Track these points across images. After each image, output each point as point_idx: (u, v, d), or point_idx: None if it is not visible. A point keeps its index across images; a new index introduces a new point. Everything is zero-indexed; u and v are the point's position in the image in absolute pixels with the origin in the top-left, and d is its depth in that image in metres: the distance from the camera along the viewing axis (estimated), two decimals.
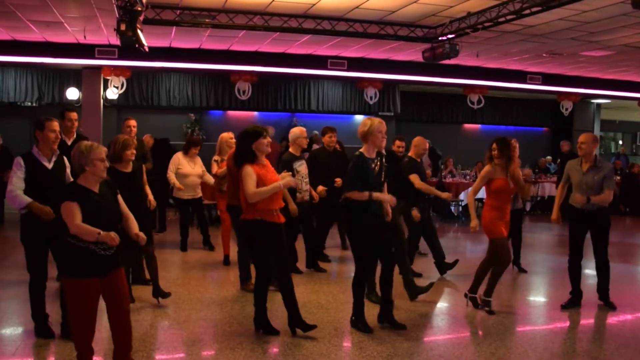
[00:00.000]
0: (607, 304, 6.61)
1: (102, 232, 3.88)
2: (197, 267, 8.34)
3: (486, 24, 10.12)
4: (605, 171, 6.40)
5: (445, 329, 5.96)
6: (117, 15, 9.22)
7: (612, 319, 6.36)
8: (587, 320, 6.39)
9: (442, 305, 6.85)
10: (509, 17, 9.63)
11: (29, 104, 15.78)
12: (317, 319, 5.78)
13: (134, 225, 4.35)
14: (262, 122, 15.75)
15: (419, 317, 6.10)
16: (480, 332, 5.80)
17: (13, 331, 5.57)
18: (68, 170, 5.13)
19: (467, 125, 21.04)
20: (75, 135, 6.66)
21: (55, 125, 5.21)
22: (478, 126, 21.10)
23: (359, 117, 19.14)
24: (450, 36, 11.18)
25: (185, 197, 9.28)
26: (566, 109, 18.53)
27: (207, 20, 10.60)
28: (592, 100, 20.59)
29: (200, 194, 9.45)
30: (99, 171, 4.12)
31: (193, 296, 6.76)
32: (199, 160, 9.45)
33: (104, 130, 14.91)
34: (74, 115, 6.63)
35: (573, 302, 6.62)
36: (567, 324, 6.23)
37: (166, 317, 6.05)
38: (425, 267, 8.27)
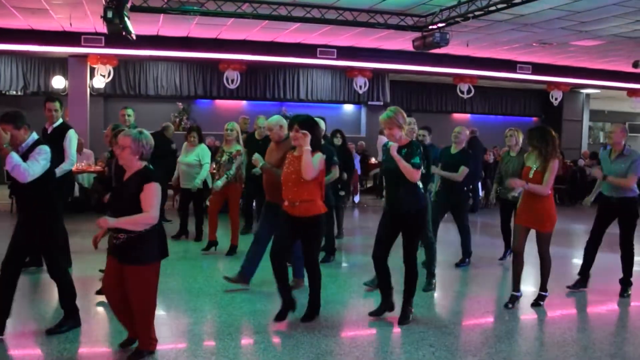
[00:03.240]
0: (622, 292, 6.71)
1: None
2: (185, 257, 8.26)
3: (477, 13, 10.09)
4: (632, 159, 6.44)
5: (433, 319, 5.93)
6: (104, 1, 9.09)
7: (601, 308, 6.38)
8: (576, 309, 6.39)
9: (434, 294, 6.83)
10: (499, 6, 9.60)
11: (14, 92, 15.57)
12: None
13: (117, 219, 4.20)
14: (251, 111, 15.63)
15: (415, 307, 6.05)
16: (471, 322, 5.78)
17: None
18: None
19: (457, 115, 21.06)
20: (57, 123, 6.88)
21: None
22: (468, 116, 21.14)
23: (348, 107, 19.09)
24: (440, 25, 11.14)
25: (181, 186, 9.29)
26: (556, 99, 18.59)
27: (195, 7, 10.49)
28: (582, 90, 20.68)
29: (194, 185, 8.99)
30: (118, 157, 4.30)
31: (181, 287, 6.69)
32: (196, 149, 9.05)
33: (90, 119, 14.78)
34: (52, 105, 6.83)
35: (580, 283, 6.83)
36: (557, 313, 6.21)
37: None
38: None
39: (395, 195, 5.34)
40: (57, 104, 6.91)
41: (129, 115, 8.40)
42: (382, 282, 5.64)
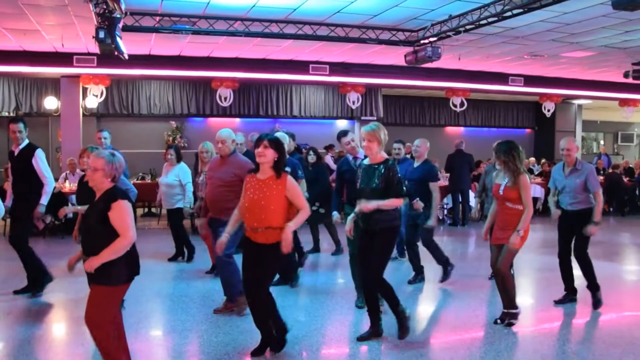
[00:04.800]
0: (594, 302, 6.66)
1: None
2: (180, 277, 8.20)
3: (468, 27, 10.13)
4: (586, 173, 6.46)
5: (434, 333, 5.89)
6: (96, 22, 9.09)
7: (600, 320, 6.33)
8: (576, 321, 6.36)
9: (430, 309, 6.80)
10: (490, 20, 9.63)
11: (7, 114, 15.52)
12: (304, 327, 5.69)
13: (100, 254, 3.95)
14: (245, 129, 15.62)
15: (415, 321, 6.01)
16: (469, 336, 5.74)
17: None
18: None
19: (450, 128, 21.11)
20: (24, 145, 6.86)
21: None
22: (461, 129, 21.19)
23: (341, 122, 19.10)
24: (432, 39, 11.17)
25: (163, 207, 9.26)
26: (548, 110, 18.66)
27: (187, 26, 10.50)
28: (574, 101, 20.78)
29: (174, 205, 8.88)
30: (88, 178, 4.23)
31: (178, 307, 6.63)
32: (174, 169, 8.90)
33: (83, 140, 14.71)
34: (15, 127, 6.82)
35: (567, 298, 6.73)
36: (556, 325, 6.19)
37: (150, 328, 5.93)
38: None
39: (371, 213, 5.21)
40: (20, 125, 6.83)
41: (105, 138, 8.30)
42: (372, 305, 5.48)
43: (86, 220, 4.12)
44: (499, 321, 5.91)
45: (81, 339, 5.36)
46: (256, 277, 4.82)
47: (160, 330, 5.95)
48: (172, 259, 9.16)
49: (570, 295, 6.75)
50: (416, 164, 7.68)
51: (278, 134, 7.13)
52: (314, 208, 8.88)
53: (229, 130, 6.26)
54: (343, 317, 6.31)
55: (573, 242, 6.59)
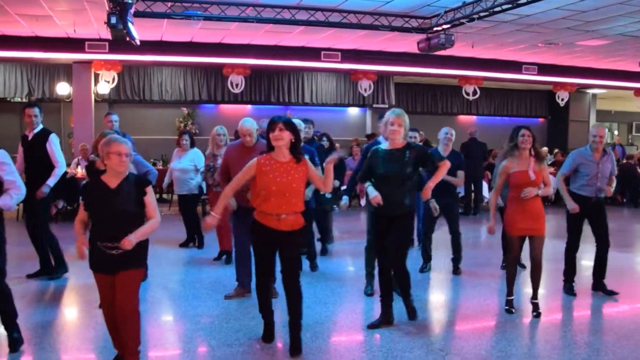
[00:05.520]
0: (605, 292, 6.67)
1: (79, 239, 4.16)
2: (191, 262, 8.23)
3: (482, 14, 10.03)
4: (611, 158, 6.54)
5: (444, 323, 5.87)
6: (108, 8, 9.08)
7: (612, 310, 6.29)
8: (587, 312, 6.31)
9: (441, 297, 6.78)
10: (504, 7, 9.55)
11: (19, 99, 15.62)
12: (316, 314, 5.69)
13: (137, 231, 4.10)
14: (256, 115, 15.59)
15: (420, 310, 6.00)
16: (480, 325, 5.71)
17: None
18: (2, 168, 4.78)
19: (462, 117, 20.97)
20: (38, 129, 6.90)
21: None
22: (474, 117, 21.06)
23: (353, 110, 19.05)
24: (445, 26, 11.09)
25: (176, 192, 9.18)
26: (562, 100, 18.51)
27: (199, 12, 10.47)
28: (588, 91, 20.57)
29: (189, 190, 8.89)
30: (114, 165, 4.11)
31: (189, 292, 6.65)
32: (188, 153, 8.94)
33: (95, 125, 14.76)
34: (31, 111, 6.83)
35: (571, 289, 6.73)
36: (567, 315, 6.16)
37: (162, 313, 5.95)
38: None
39: (395, 197, 5.20)
40: (36, 110, 6.87)
41: (115, 121, 8.24)
42: (386, 293, 5.48)
43: (116, 207, 4.08)
44: (533, 314, 5.84)
45: (92, 323, 5.39)
46: (287, 269, 4.72)
47: (172, 315, 5.97)
48: (184, 244, 9.18)
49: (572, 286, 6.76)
50: (445, 154, 7.46)
51: (294, 121, 7.10)
52: (328, 196, 8.84)
53: (251, 120, 6.21)
54: (353, 304, 6.30)
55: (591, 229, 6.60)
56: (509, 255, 6.08)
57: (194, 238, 9.24)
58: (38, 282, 6.91)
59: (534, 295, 5.91)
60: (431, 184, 5.26)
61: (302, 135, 7.12)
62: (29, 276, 7.00)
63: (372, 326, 5.41)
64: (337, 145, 15.68)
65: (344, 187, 9.09)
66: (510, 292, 6.01)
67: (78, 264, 6.84)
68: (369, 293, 6.44)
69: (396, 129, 5.19)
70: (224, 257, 8.14)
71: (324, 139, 9.40)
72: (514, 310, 5.93)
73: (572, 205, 6.49)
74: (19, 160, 6.85)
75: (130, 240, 3.99)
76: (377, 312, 5.74)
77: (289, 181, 4.60)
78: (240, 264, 6.30)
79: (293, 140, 4.69)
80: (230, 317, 5.68)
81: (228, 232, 7.89)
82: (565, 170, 6.70)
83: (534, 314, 5.83)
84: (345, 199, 6.91)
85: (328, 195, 8.98)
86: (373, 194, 5.21)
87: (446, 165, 5.35)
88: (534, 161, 5.74)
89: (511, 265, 6.04)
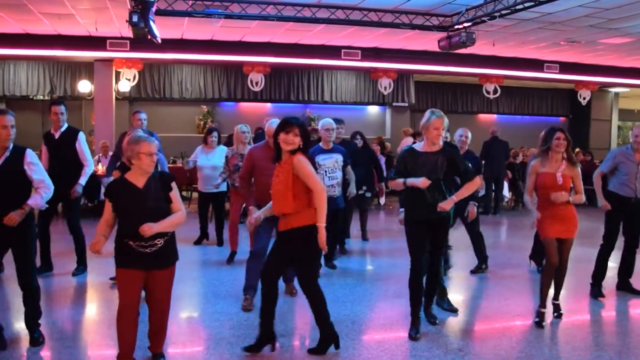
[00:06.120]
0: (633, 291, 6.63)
1: (98, 240, 4.09)
2: (211, 260, 8.26)
3: (503, 12, 9.96)
4: None
5: (463, 323, 5.83)
6: (129, 6, 9.15)
7: (635, 311, 6.21)
8: (610, 312, 6.24)
9: (460, 297, 6.74)
10: (526, 4, 9.46)
11: (41, 97, 15.79)
12: (334, 313, 5.69)
13: (161, 222, 4.10)
14: (275, 114, 15.63)
15: (438, 310, 5.97)
16: (500, 326, 5.67)
17: None
18: (30, 168, 4.83)
19: (483, 115, 20.84)
20: (65, 128, 6.95)
21: (5, 120, 4.71)
22: (494, 116, 20.91)
23: (372, 108, 19.00)
24: (466, 24, 11.02)
25: (201, 189, 9.15)
26: (584, 98, 18.33)
27: (219, 11, 10.51)
28: (610, 89, 20.35)
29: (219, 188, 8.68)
30: (144, 165, 4.10)
31: (208, 290, 6.68)
32: (217, 151, 8.96)
33: (116, 123, 14.88)
34: (57, 109, 6.82)
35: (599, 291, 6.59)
36: (588, 316, 6.09)
37: (181, 311, 5.98)
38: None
39: (434, 201, 5.00)
40: (62, 108, 6.89)
41: (145, 120, 8.07)
42: (420, 300, 5.31)
43: (147, 206, 4.08)
44: (554, 314, 5.76)
45: (113, 321, 5.41)
46: (300, 271, 4.75)
47: (191, 312, 6.00)
48: (197, 242, 9.23)
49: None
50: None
51: (328, 119, 7.17)
52: (361, 192, 8.85)
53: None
54: (372, 303, 6.29)
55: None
56: (548, 261, 5.67)
57: (207, 235, 9.28)
58: (60, 277, 6.98)
59: (556, 296, 5.82)
60: (455, 198, 5.01)
61: (334, 135, 7.13)
62: (74, 274, 7.13)
63: (414, 338, 5.13)
64: (387, 145, 15.78)
65: (368, 194, 9.15)
66: (543, 303, 5.67)
67: (98, 261, 6.93)
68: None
69: (440, 133, 5.04)
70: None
71: (358, 137, 9.36)
72: (544, 324, 5.56)
73: (603, 202, 6.42)
74: (43, 159, 6.86)
75: (151, 227, 3.99)
76: (396, 311, 5.74)
77: (275, 183, 4.62)
78: (251, 268, 5.88)
79: (301, 146, 4.55)
80: (250, 314, 5.68)
81: (236, 233, 8.05)
82: (604, 167, 6.60)
83: (555, 314, 5.76)
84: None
85: (368, 195, 9.04)
86: (418, 180, 4.96)
87: (476, 183, 5.19)
88: (566, 165, 5.60)
89: (549, 273, 5.68)
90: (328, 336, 4.71)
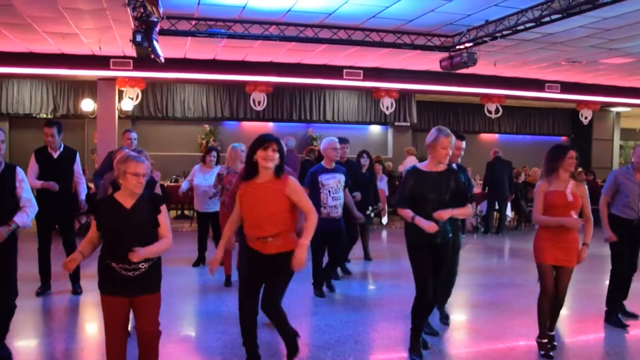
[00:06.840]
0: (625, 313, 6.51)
1: (73, 258, 3.91)
2: (213, 280, 8.21)
3: (505, 32, 10.00)
4: None
5: (467, 343, 5.78)
6: (133, 26, 9.20)
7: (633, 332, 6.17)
8: (614, 333, 6.18)
9: (464, 318, 6.69)
10: (528, 25, 9.50)
11: (44, 115, 15.84)
12: (337, 334, 5.65)
13: (148, 247, 3.90)
14: (278, 133, 15.64)
15: (440, 330, 5.93)
16: (503, 346, 5.62)
17: None
18: (21, 186, 4.83)
19: (485, 135, 20.88)
20: (62, 148, 7.00)
21: None
22: (496, 135, 20.96)
23: (374, 127, 19.05)
24: (468, 45, 11.07)
25: (198, 209, 9.04)
26: (585, 118, 18.36)
27: (222, 31, 10.57)
28: (612, 109, 20.41)
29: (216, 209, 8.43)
30: (130, 185, 3.91)
31: (210, 309, 6.65)
32: (214, 170, 8.75)
33: (118, 142, 14.89)
34: (49, 131, 6.81)
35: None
36: (592, 337, 6.04)
37: (182, 330, 5.94)
38: None
39: (443, 223, 4.82)
40: (54, 130, 6.80)
41: (135, 139, 8.01)
42: (421, 328, 5.14)
43: (133, 228, 3.91)
44: (548, 346, 5.34)
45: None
46: (269, 291, 4.46)
47: (193, 331, 5.96)
48: (196, 264, 9.03)
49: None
50: None
51: (332, 138, 7.18)
52: (368, 212, 8.84)
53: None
54: (375, 324, 6.25)
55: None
56: (543, 289, 5.35)
57: (203, 259, 9.08)
58: (59, 296, 6.95)
59: (551, 328, 5.50)
60: (449, 212, 4.72)
61: (338, 154, 7.13)
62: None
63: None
64: (388, 164, 15.77)
65: (369, 212, 9.12)
66: (542, 334, 5.35)
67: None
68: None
69: (448, 153, 4.82)
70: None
71: (364, 155, 9.33)
72: (552, 355, 5.25)
73: (609, 234, 6.20)
74: (31, 175, 6.72)
75: (139, 253, 3.79)
76: (398, 331, 5.69)
77: (263, 206, 4.36)
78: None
79: (279, 162, 4.41)
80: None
81: (230, 256, 7.80)
82: (606, 191, 6.39)
83: (549, 346, 5.38)
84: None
85: (372, 215, 9.02)
86: (425, 223, 4.66)
87: (467, 211, 4.93)
88: (573, 184, 5.36)
89: (545, 301, 5.32)
90: (294, 349, 4.58)
